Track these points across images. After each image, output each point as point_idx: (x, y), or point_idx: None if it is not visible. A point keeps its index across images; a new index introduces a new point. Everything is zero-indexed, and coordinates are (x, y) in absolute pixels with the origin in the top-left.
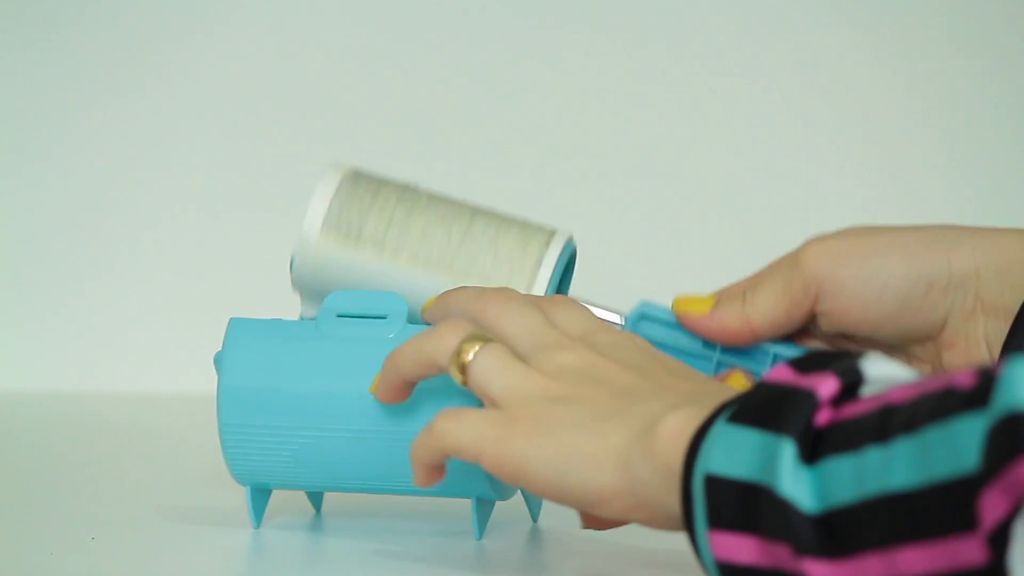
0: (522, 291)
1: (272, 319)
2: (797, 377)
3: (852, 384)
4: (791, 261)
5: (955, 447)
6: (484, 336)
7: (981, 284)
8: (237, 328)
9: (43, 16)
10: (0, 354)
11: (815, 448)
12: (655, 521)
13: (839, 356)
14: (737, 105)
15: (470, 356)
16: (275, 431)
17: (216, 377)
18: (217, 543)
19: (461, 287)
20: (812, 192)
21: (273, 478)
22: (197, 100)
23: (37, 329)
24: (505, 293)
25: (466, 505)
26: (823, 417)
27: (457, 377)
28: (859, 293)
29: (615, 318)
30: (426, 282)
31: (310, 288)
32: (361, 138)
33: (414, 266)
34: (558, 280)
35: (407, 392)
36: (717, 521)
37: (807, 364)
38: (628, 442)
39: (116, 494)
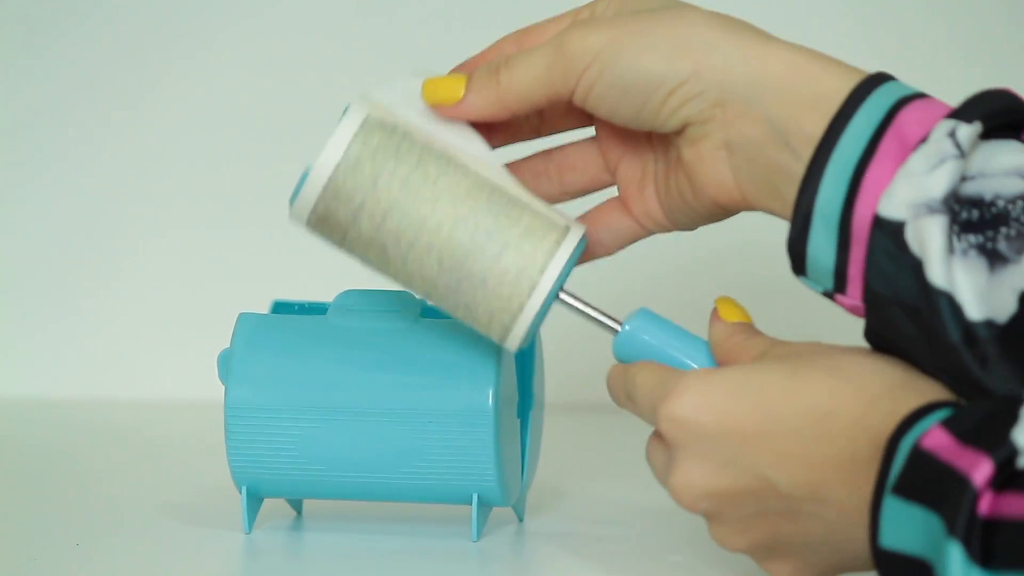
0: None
1: (280, 315)
2: (954, 452)
3: (1008, 459)
4: (556, 46)
5: None
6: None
7: (726, 94)
8: (247, 321)
9: (42, 29)
10: (1, 361)
11: (986, 545)
12: None
13: (993, 416)
14: None
15: None
16: (282, 415)
17: (216, 379)
18: (208, 546)
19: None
20: None
21: (273, 474)
22: (199, 111)
23: (37, 336)
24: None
25: (447, 510)
26: (985, 506)
27: None
28: (610, 90)
29: (612, 324)
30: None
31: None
32: None
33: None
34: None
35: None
36: None
37: (964, 432)
38: None
39: (112, 498)
